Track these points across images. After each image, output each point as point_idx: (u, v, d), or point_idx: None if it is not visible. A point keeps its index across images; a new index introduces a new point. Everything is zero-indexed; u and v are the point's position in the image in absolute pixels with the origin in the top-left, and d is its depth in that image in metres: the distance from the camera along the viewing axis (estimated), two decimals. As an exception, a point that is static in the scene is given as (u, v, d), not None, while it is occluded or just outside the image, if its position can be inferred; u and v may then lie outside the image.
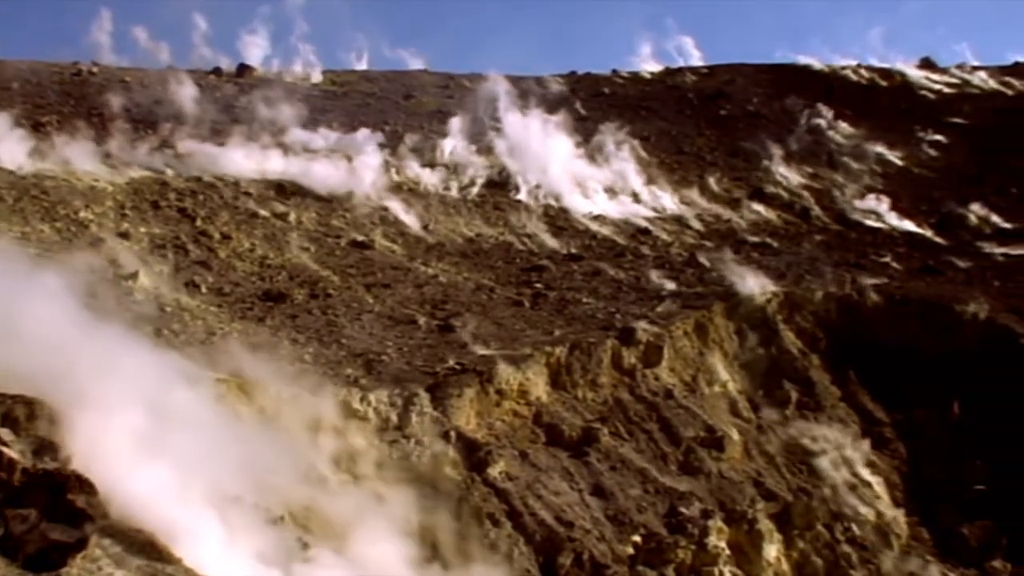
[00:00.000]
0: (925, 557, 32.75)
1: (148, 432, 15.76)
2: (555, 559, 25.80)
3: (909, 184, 60.90)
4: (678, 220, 52.44)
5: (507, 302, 38.01)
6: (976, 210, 54.83)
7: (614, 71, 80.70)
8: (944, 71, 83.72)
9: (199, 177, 43.39)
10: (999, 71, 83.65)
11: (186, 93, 53.94)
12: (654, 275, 42.04)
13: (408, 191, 48.66)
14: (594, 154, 57.45)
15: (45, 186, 37.75)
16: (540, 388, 31.30)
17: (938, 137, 67.94)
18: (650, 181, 56.52)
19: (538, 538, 26.21)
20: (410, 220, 45.45)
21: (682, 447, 31.95)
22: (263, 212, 41.81)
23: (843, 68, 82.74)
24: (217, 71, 65.50)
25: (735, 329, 38.32)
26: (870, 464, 35.40)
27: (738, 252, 46.50)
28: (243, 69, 66.04)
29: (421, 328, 33.67)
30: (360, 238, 42.03)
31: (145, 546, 14.34)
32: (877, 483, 34.91)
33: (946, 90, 79.08)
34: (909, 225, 53.66)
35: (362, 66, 77.12)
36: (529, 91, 62.12)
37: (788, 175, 60.14)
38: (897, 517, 34.07)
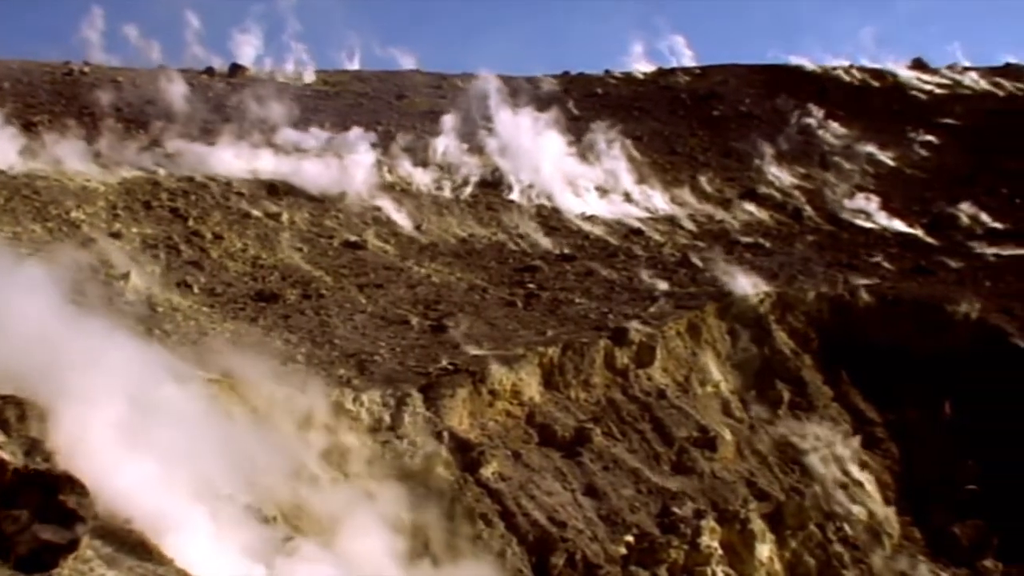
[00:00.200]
0: (917, 556, 32.84)
1: (134, 426, 15.72)
2: (548, 559, 25.82)
3: (901, 184, 61.02)
4: (671, 220, 52.46)
5: (500, 302, 38.00)
6: (968, 210, 54.92)
7: (607, 71, 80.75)
8: (936, 72, 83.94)
9: (191, 177, 43.29)
10: (990, 72, 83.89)
11: (178, 93, 53.82)
12: (647, 275, 42.05)
13: (401, 191, 48.60)
14: (587, 154, 57.46)
15: (36, 186, 37.65)
16: (533, 388, 31.30)
17: (930, 138, 68.08)
18: (643, 181, 56.55)
19: (531, 538, 26.22)
20: (403, 220, 45.41)
21: (675, 447, 31.97)
22: (255, 212, 41.74)
23: (835, 69, 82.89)
24: (209, 71, 65.38)
25: (728, 329, 38.35)
26: (862, 464, 35.48)
27: (731, 252, 46.57)
28: (235, 69, 65.92)
29: (414, 328, 33.65)
30: (353, 238, 41.99)
31: (136, 547, 14.32)
32: (869, 483, 34.98)
33: (938, 91, 79.29)
34: (901, 225, 53.74)
35: (354, 65, 77.06)
36: (522, 91, 62.09)
37: (780, 175, 60.22)
38: (889, 516, 34.15)
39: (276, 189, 44.53)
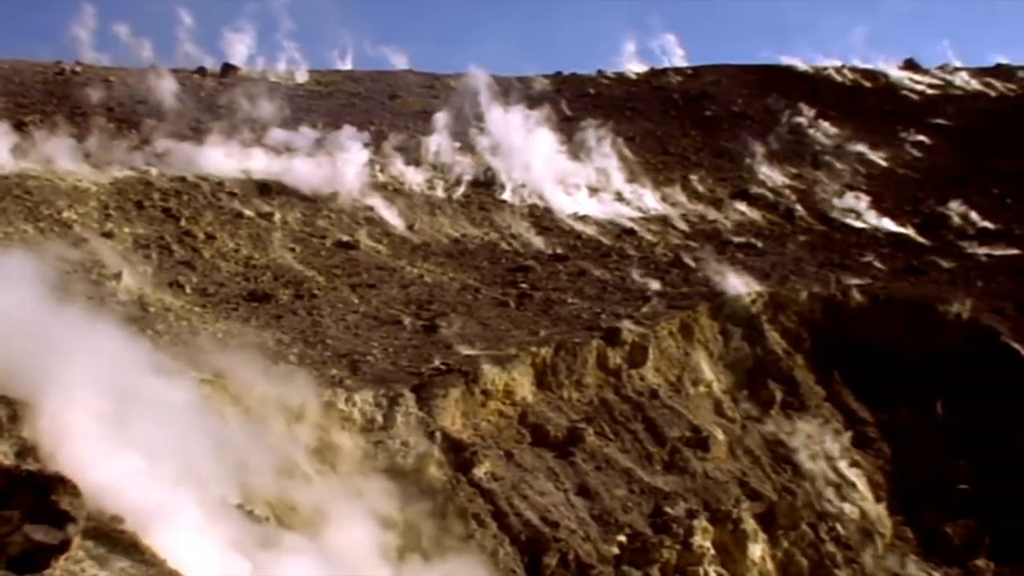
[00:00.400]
0: (909, 556, 32.93)
1: (119, 420, 15.67)
2: (540, 559, 25.82)
3: (893, 185, 61.15)
4: (663, 220, 52.50)
5: (492, 302, 37.99)
6: (959, 210, 55.07)
7: (599, 71, 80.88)
8: (928, 72, 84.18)
9: (183, 177, 43.23)
10: (982, 72, 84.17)
11: (170, 92, 53.79)
12: (639, 275, 42.09)
13: (393, 191, 48.58)
14: (579, 154, 57.51)
15: (28, 186, 37.57)
16: (525, 388, 31.29)
17: (921, 138, 68.29)
18: (635, 181, 56.61)
19: (523, 538, 26.22)
20: (395, 220, 45.38)
21: (667, 447, 31.98)
22: (248, 212, 41.70)
23: (828, 69, 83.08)
24: (201, 70, 65.32)
25: (720, 329, 38.39)
26: (854, 463, 35.55)
27: (723, 252, 46.63)
28: (228, 69, 65.86)
29: (406, 328, 33.63)
30: (345, 238, 41.96)
31: (129, 547, 14.26)
32: (861, 482, 35.04)
33: (929, 91, 79.52)
34: (893, 225, 53.84)
35: (346, 65, 77.11)
36: (514, 91, 62.13)
37: (773, 176, 60.33)
38: (881, 516, 34.23)
39: (268, 189, 44.48)
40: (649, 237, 49.47)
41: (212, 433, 19.43)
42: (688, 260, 44.60)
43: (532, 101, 61.43)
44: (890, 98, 77.80)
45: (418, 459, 26.29)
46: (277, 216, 42.12)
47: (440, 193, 50.03)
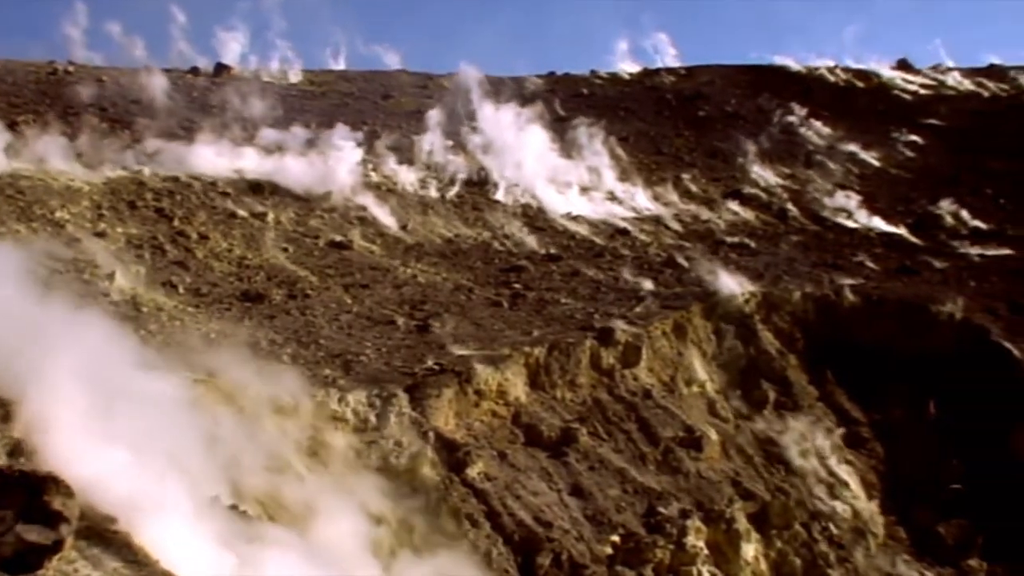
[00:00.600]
0: (902, 556, 32.96)
1: (105, 414, 15.65)
2: (534, 559, 25.81)
3: (886, 185, 61.26)
4: (656, 220, 52.53)
5: (486, 302, 37.99)
6: (952, 210, 55.17)
7: (593, 71, 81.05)
8: (920, 73, 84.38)
9: (176, 177, 43.20)
10: (974, 73, 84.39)
11: (163, 92, 53.75)
12: (632, 275, 42.09)
13: (386, 191, 48.57)
14: (572, 154, 57.55)
15: (20, 186, 37.52)
16: (519, 388, 31.29)
17: (914, 138, 68.45)
18: (628, 181, 56.66)
19: (517, 538, 26.21)
20: (388, 220, 45.37)
21: (660, 447, 31.99)
22: (241, 212, 41.67)
23: (821, 69, 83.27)
24: (195, 70, 65.30)
25: (713, 329, 38.40)
26: (847, 463, 35.58)
27: (716, 252, 46.68)
28: (221, 68, 65.85)
29: (400, 328, 33.62)
30: (338, 238, 41.93)
31: (122, 548, 14.25)
32: (854, 482, 35.07)
33: (922, 91, 79.71)
34: (886, 225, 53.90)
35: (338, 64, 77.29)
36: (507, 91, 62.14)
37: (766, 176, 60.42)
38: (874, 516, 34.26)
39: (261, 189, 44.46)
40: (642, 237, 49.50)
41: (202, 430, 19.46)
42: (681, 260, 44.63)
43: (525, 101, 61.45)
44: (883, 98, 78.00)
45: (411, 459, 26.27)
46: (270, 216, 42.10)
47: (433, 193, 50.04)
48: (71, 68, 58.97)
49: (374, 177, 49.60)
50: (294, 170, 46.66)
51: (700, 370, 36.62)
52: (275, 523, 20.35)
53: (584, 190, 54.47)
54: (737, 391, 37.02)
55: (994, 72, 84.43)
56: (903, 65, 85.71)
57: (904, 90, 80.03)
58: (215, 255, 37.59)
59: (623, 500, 29.15)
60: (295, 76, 68.55)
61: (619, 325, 35.02)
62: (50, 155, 40.89)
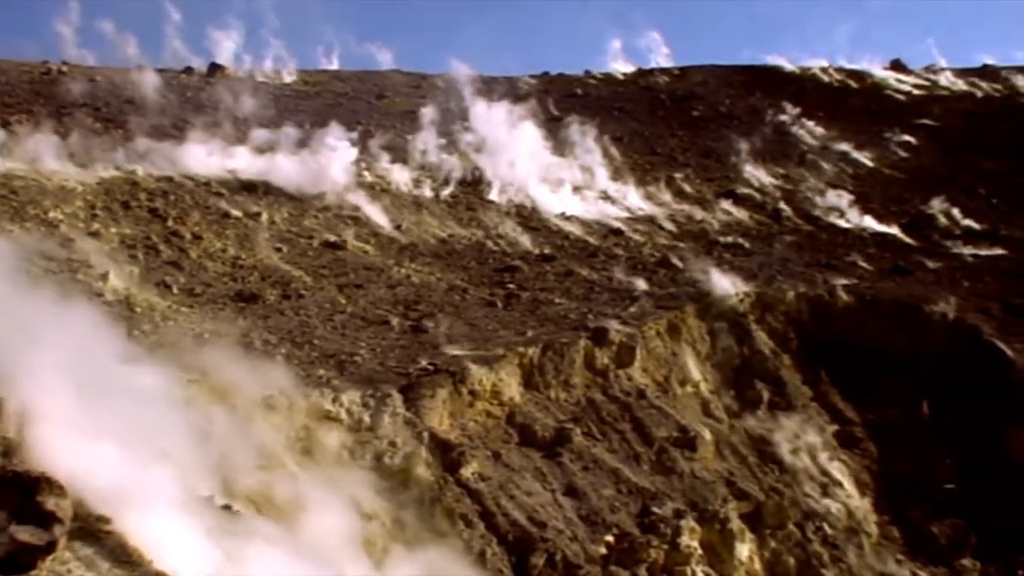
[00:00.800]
0: (895, 555, 32.98)
1: (92, 407, 15.62)
2: (528, 559, 25.79)
3: (879, 185, 61.37)
4: (650, 221, 52.56)
5: (480, 303, 37.99)
6: (945, 211, 55.27)
7: (587, 72, 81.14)
8: (914, 73, 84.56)
9: (170, 177, 43.19)
10: (968, 73, 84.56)
11: (157, 92, 53.70)
12: (626, 275, 42.09)
13: (380, 191, 48.57)
14: (566, 154, 57.58)
15: (14, 186, 37.46)
16: (513, 388, 31.28)
17: (908, 138, 68.55)
18: (622, 181, 56.69)
19: (511, 538, 26.20)
20: (382, 220, 45.35)
21: (655, 447, 31.98)
22: (235, 212, 41.64)
23: (814, 69, 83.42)
24: (188, 70, 65.26)
25: (707, 329, 38.41)
26: (841, 463, 35.61)
27: (710, 253, 46.73)
28: (214, 68, 65.83)
29: (394, 329, 33.60)
30: (332, 238, 41.91)
31: (115, 549, 14.24)
32: (847, 481, 35.10)
33: (916, 92, 79.84)
34: (879, 226, 53.99)
35: (331, 63, 77.40)
36: (501, 91, 62.18)
37: (760, 176, 60.48)
38: (867, 515, 34.28)
39: (255, 189, 44.46)
40: (636, 237, 49.52)
41: (192, 426, 19.43)
42: (675, 260, 44.64)
43: (519, 101, 61.48)
44: (876, 98, 78.15)
45: (405, 459, 26.24)
46: (264, 216, 42.07)
47: (427, 193, 50.06)
48: (65, 68, 58.91)
49: (368, 177, 49.62)
50: (288, 170, 46.66)
51: (694, 370, 36.63)
52: (264, 519, 20.30)
53: (578, 190, 54.50)
54: (731, 391, 37.03)
55: (987, 72, 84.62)
56: (896, 65, 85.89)
57: (897, 90, 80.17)
58: (209, 255, 37.55)
59: (617, 500, 29.15)
60: (289, 76, 68.56)
61: (613, 325, 35.01)
62: (43, 155, 40.86)
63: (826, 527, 32.57)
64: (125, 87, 54.46)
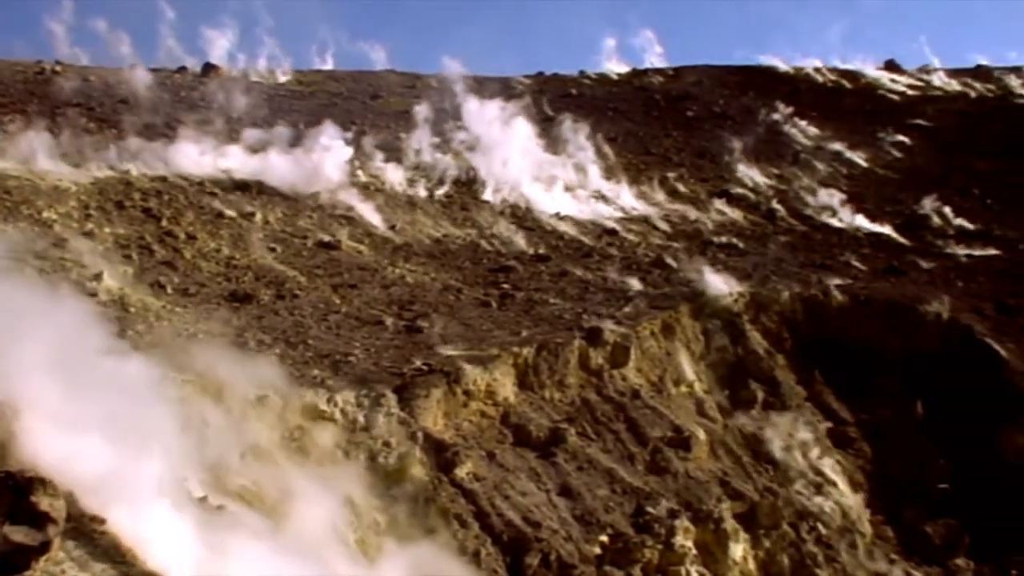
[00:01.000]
0: (889, 555, 33.01)
1: (79, 399, 15.60)
2: (522, 559, 25.79)
3: (873, 185, 61.45)
4: (645, 221, 52.59)
5: (474, 303, 37.98)
6: (939, 211, 55.36)
7: (581, 72, 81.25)
8: (908, 73, 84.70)
9: (164, 177, 43.15)
10: (961, 73, 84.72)
11: (151, 92, 53.64)
12: (621, 276, 42.12)
13: (375, 191, 48.55)
14: (560, 155, 57.60)
15: (8, 186, 37.38)
16: (507, 389, 31.28)
17: (902, 138, 68.67)
18: (617, 181, 56.72)
19: (505, 538, 26.20)
20: (377, 220, 45.33)
21: (649, 447, 32.00)
22: (229, 212, 41.58)
23: (809, 70, 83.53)
24: (182, 70, 65.22)
25: (702, 329, 38.45)
26: (835, 463, 35.63)
27: (704, 253, 46.74)
28: (208, 68, 65.78)
29: (388, 329, 33.57)
30: (326, 238, 41.87)
31: (109, 549, 14.23)
32: (841, 481, 35.13)
33: (909, 92, 79.96)
34: (873, 226, 54.07)
35: (325, 62, 77.48)
36: (496, 91, 62.16)
37: (754, 176, 60.56)
38: (861, 515, 34.32)
39: (249, 189, 44.43)
40: (631, 237, 49.54)
41: (181, 422, 19.42)
42: (670, 260, 44.67)
43: (513, 101, 61.45)
44: (870, 98, 78.27)
45: (399, 459, 26.24)
46: (258, 216, 42.02)
47: (422, 193, 50.06)
48: (58, 67, 58.84)
49: (362, 177, 49.61)
50: (282, 170, 46.64)
51: (688, 370, 36.65)
52: (253, 515, 20.27)
53: (572, 190, 54.50)
54: (725, 391, 37.08)
55: (981, 73, 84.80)
56: (890, 66, 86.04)
57: (891, 90, 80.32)
58: (203, 255, 37.50)
59: (611, 500, 29.15)
60: (283, 76, 68.56)
61: (607, 325, 35.03)
62: (37, 155, 40.79)
63: (820, 527, 32.58)
64: (119, 87, 54.40)
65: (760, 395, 36.94)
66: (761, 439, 35.05)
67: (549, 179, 54.54)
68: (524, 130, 56.57)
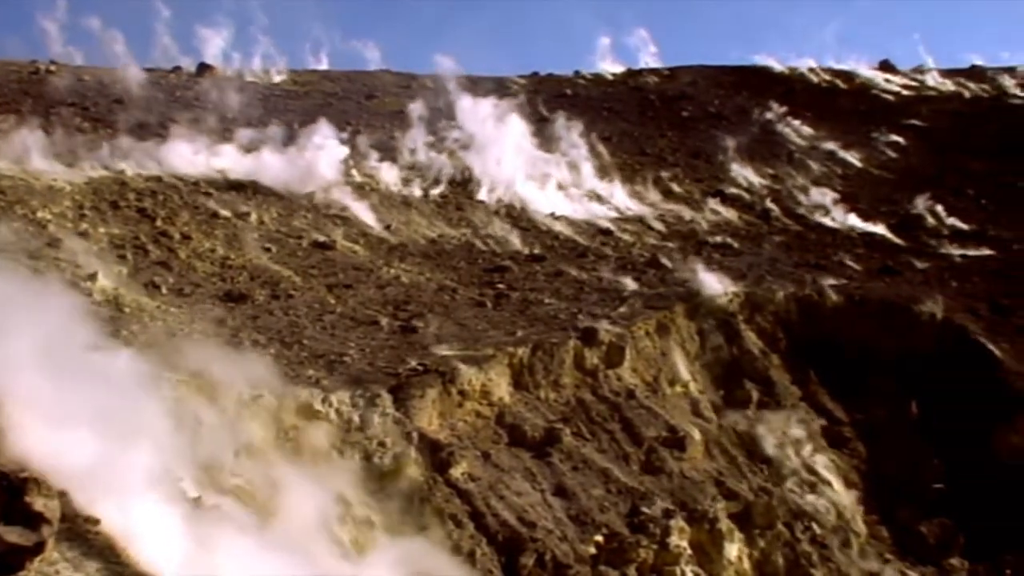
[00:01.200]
0: (884, 555, 33.06)
1: (68, 395, 15.58)
2: (517, 559, 25.78)
3: (868, 185, 61.55)
4: (640, 221, 52.64)
5: (469, 303, 37.97)
6: (934, 211, 55.44)
7: (576, 72, 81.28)
8: (902, 73, 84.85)
9: (159, 177, 43.10)
10: (956, 74, 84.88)
11: (145, 92, 53.59)
12: (616, 276, 42.13)
13: (370, 191, 48.54)
14: (555, 154, 57.61)
15: (2, 186, 37.31)
16: (502, 389, 31.27)
17: (896, 138, 68.78)
18: (612, 181, 56.75)
19: (500, 538, 26.19)
20: (371, 220, 45.32)
21: (644, 447, 32.00)
22: (224, 212, 41.54)
23: (803, 70, 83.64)
24: (177, 70, 65.14)
25: (697, 329, 38.47)
26: (829, 463, 35.67)
27: (699, 253, 46.79)
28: (203, 68, 65.72)
29: (383, 329, 33.55)
30: (321, 238, 41.85)
31: (104, 550, 14.21)
32: (836, 481, 35.16)
33: (904, 92, 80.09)
34: (868, 226, 54.14)
35: (320, 61, 77.43)
36: (491, 91, 62.16)
37: (749, 176, 60.62)
38: (856, 515, 34.34)
39: (244, 189, 44.38)
40: (626, 237, 49.57)
41: (180, 425, 19.41)
42: (665, 260, 44.70)
43: (508, 101, 61.44)
44: (865, 99, 78.39)
45: (394, 459, 26.21)
46: (253, 216, 41.99)
47: (417, 192, 50.05)
48: (53, 67, 58.76)
49: (357, 177, 49.58)
50: (277, 170, 46.61)
51: (683, 370, 36.67)
52: (243, 512, 20.22)
53: (567, 190, 54.51)
54: (720, 391, 37.10)
55: (975, 73, 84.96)
56: (884, 66, 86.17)
57: (886, 91, 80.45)
58: (198, 255, 37.45)
59: (606, 500, 29.15)
60: (278, 76, 68.50)
61: (603, 325, 35.03)
62: (31, 154, 40.73)
63: (815, 527, 32.61)
64: (113, 86, 54.35)
65: (755, 395, 36.97)
66: (756, 439, 35.07)
67: (544, 179, 54.57)
68: (518, 129, 56.57)
